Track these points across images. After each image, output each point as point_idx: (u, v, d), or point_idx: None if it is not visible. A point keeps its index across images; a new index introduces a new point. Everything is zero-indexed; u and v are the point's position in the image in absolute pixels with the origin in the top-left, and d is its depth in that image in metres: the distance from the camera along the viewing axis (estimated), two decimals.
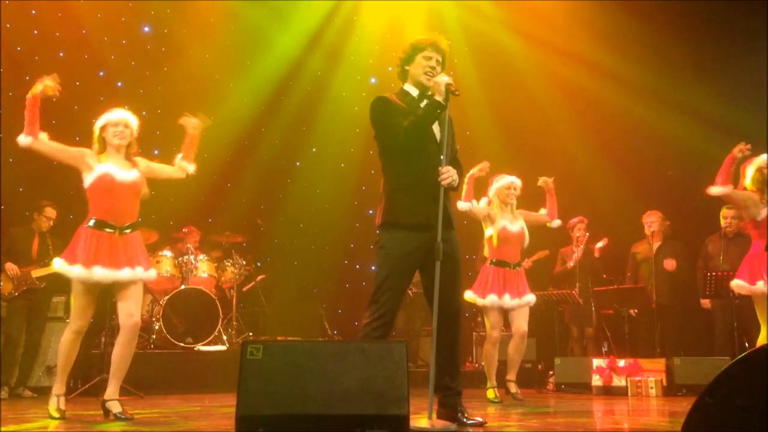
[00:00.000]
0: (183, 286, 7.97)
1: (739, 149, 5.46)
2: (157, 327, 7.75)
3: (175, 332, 7.70)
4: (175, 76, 9.75)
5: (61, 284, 7.43)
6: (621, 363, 6.90)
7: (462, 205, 5.80)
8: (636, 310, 7.89)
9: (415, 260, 3.89)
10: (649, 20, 9.35)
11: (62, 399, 4.62)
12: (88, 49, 9.23)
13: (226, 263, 8.61)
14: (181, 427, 4.19)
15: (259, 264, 9.57)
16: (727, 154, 5.60)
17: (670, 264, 7.66)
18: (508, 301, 5.97)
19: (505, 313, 6.13)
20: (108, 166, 4.54)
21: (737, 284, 5.65)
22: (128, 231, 4.59)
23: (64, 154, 4.57)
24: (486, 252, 6.28)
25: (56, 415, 4.54)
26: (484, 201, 6.05)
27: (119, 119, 4.65)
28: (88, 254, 4.43)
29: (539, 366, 8.15)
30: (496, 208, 6.05)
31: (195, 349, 7.71)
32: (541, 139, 10.04)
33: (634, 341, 7.83)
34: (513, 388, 6.13)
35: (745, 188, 5.60)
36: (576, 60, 9.92)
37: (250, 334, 8.58)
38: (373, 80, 10.95)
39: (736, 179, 5.66)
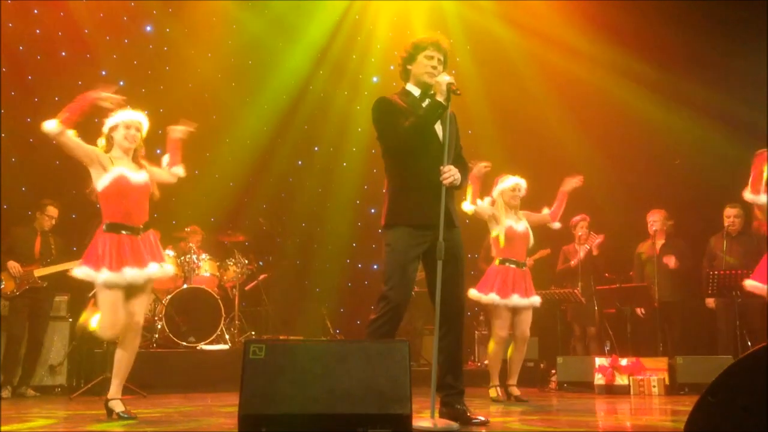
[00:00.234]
0: (185, 286, 7.98)
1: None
2: (159, 326, 7.76)
3: (178, 331, 7.71)
4: (177, 75, 9.76)
5: (63, 284, 7.47)
6: (623, 362, 6.90)
7: (467, 207, 5.80)
8: (643, 310, 7.88)
9: (420, 257, 3.90)
10: (652, 16, 9.35)
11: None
12: (89, 49, 9.23)
13: (229, 262, 8.61)
14: (183, 426, 4.19)
15: (261, 263, 9.57)
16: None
17: (670, 260, 7.65)
18: (516, 300, 5.94)
19: (512, 313, 6.07)
20: (121, 169, 4.49)
21: (752, 284, 5.62)
22: (142, 232, 4.56)
23: (80, 151, 4.46)
24: (493, 252, 6.26)
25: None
26: (487, 200, 6.04)
27: (132, 121, 4.59)
28: (112, 257, 4.37)
29: (541, 365, 8.15)
30: (501, 208, 6.03)
31: (197, 348, 7.72)
32: (543, 137, 10.03)
33: (636, 340, 7.82)
34: (516, 391, 6.10)
35: None
36: (578, 57, 9.91)
37: (253, 333, 8.59)
38: (375, 79, 10.95)
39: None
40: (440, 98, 3.83)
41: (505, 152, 9.43)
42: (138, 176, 4.55)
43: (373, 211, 10.59)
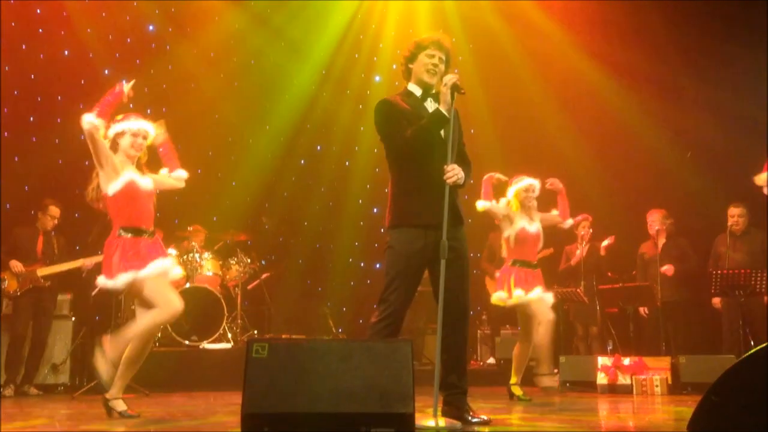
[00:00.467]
0: (188, 285, 7.99)
1: None
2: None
3: (181, 330, 7.72)
4: (179, 74, 9.77)
5: (66, 283, 7.49)
6: (626, 361, 6.88)
7: (482, 204, 5.79)
8: (646, 309, 7.87)
9: (424, 258, 3.89)
10: (652, 13, 9.36)
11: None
12: (92, 48, 9.24)
13: (231, 261, 8.62)
14: (186, 424, 4.20)
15: (263, 262, 9.58)
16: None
17: (669, 270, 7.64)
18: (539, 293, 5.91)
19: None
20: (131, 174, 4.51)
21: None
22: (153, 235, 4.59)
23: (103, 151, 4.45)
24: (504, 253, 6.23)
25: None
26: (503, 201, 6.03)
27: (140, 130, 4.59)
28: (138, 255, 4.41)
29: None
30: (516, 209, 6.03)
31: (200, 347, 7.73)
32: (543, 137, 10.04)
33: (639, 339, 7.82)
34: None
35: None
36: (579, 56, 9.93)
37: (255, 332, 8.60)
38: (377, 78, 10.96)
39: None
40: (444, 108, 3.84)
41: (504, 152, 9.44)
42: (145, 182, 4.58)
43: (375, 210, 10.59)
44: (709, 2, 8.85)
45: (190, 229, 8.52)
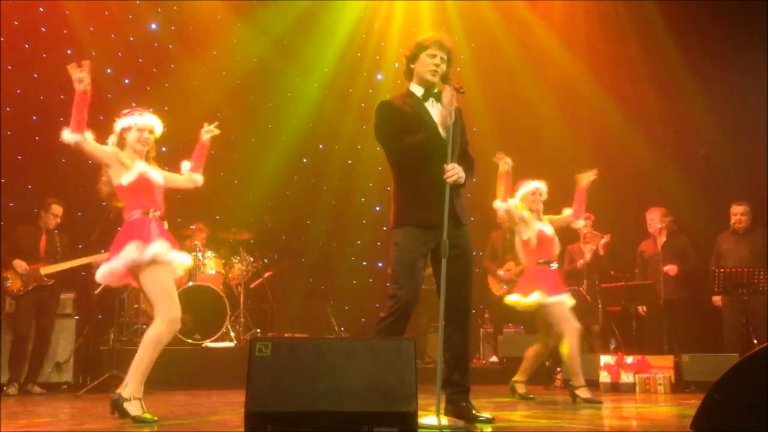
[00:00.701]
0: (191, 283, 7.99)
1: None
2: None
3: (183, 329, 7.66)
4: (182, 73, 9.77)
5: (69, 281, 7.51)
6: (629, 360, 6.89)
7: (498, 204, 5.78)
8: (644, 308, 7.86)
9: (427, 256, 3.92)
10: (653, 12, 9.37)
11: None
12: (95, 47, 9.24)
13: (234, 260, 8.63)
14: (189, 423, 4.20)
15: (266, 261, 9.58)
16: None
17: (671, 270, 7.64)
18: (565, 298, 5.83)
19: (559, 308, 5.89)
20: (143, 166, 4.48)
21: None
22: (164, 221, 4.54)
23: (100, 154, 4.43)
24: (522, 258, 6.17)
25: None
26: (511, 203, 5.99)
27: (146, 125, 4.55)
28: (151, 233, 4.32)
29: (547, 363, 8.13)
30: (527, 213, 5.99)
31: (203, 345, 7.73)
32: (544, 137, 10.06)
33: (642, 338, 7.82)
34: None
35: None
36: (579, 55, 9.95)
37: (258, 330, 8.61)
38: (379, 76, 10.96)
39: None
40: (443, 131, 3.86)
41: (508, 151, 9.43)
42: (157, 175, 4.56)
43: (378, 208, 10.59)
44: (709, 2, 8.85)
45: (192, 227, 8.53)
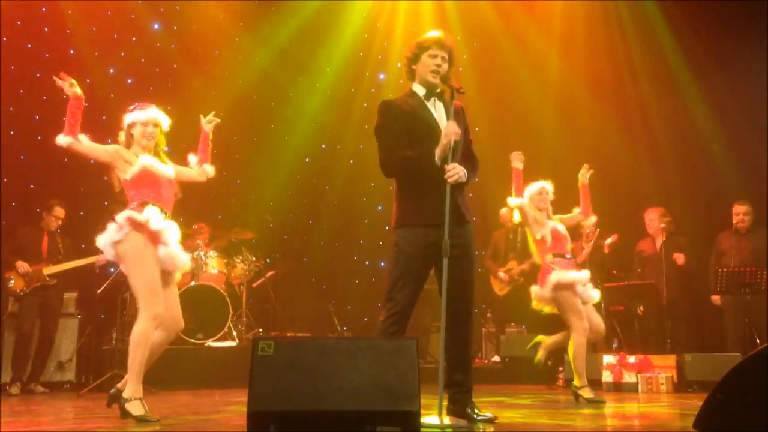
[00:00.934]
0: (193, 282, 7.99)
1: None
2: None
3: (186, 328, 7.68)
4: (185, 73, 9.78)
5: (72, 281, 7.52)
6: (631, 359, 6.88)
7: (514, 201, 5.76)
8: (642, 308, 7.86)
9: (428, 257, 3.90)
10: (655, 11, 9.38)
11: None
12: (98, 47, 9.27)
13: (236, 260, 8.63)
14: (192, 422, 4.21)
15: (268, 260, 9.58)
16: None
17: (679, 257, 7.62)
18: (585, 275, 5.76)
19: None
20: (147, 159, 4.45)
21: None
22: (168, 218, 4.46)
23: (100, 153, 4.44)
24: (536, 258, 6.14)
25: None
26: (524, 201, 5.98)
27: (148, 119, 4.53)
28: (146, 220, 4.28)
29: (549, 362, 8.13)
30: (537, 214, 5.98)
31: (205, 344, 7.74)
32: (545, 134, 10.05)
33: (644, 337, 7.81)
34: (587, 393, 5.94)
35: None
36: (579, 55, 9.95)
37: (260, 330, 8.61)
38: (382, 76, 10.95)
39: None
40: (438, 159, 3.84)
41: (504, 152, 9.42)
42: (165, 168, 4.53)
43: (380, 208, 10.59)
44: (709, 2, 8.85)
45: (195, 227, 8.53)
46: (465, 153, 4.07)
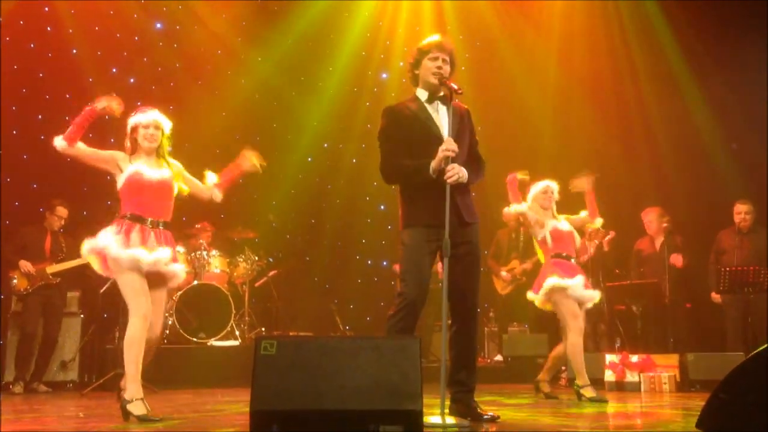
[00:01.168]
0: (196, 282, 8.00)
1: None
2: (170, 322, 7.78)
3: (189, 327, 7.74)
4: (187, 72, 9.78)
5: (75, 280, 7.53)
6: (634, 358, 6.88)
7: (512, 208, 5.78)
8: (639, 308, 7.84)
9: (433, 255, 3.95)
10: (655, 14, 9.39)
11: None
12: (100, 46, 9.27)
13: (239, 259, 8.64)
14: (194, 422, 4.21)
15: (271, 260, 9.58)
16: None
17: (677, 260, 7.62)
18: (581, 280, 5.73)
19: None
20: (137, 165, 4.46)
21: None
22: (161, 227, 4.48)
23: (95, 158, 4.48)
24: (541, 258, 6.16)
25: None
26: (525, 206, 5.99)
27: (149, 121, 4.55)
28: (122, 238, 4.31)
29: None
30: (538, 212, 5.98)
31: (208, 344, 7.75)
32: (545, 134, 10.06)
33: (647, 336, 7.80)
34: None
35: None
36: (578, 55, 9.94)
37: (263, 329, 8.62)
38: (384, 75, 10.95)
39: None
40: (433, 172, 3.85)
41: (504, 152, 9.43)
42: (155, 173, 4.49)
43: (382, 207, 10.59)
44: (709, 2, 8.84)
45: (197, 226, 8.54)
46: (470, 154, 4.10)
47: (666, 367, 6.75)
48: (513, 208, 5.82)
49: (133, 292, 4.26)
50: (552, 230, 5.89)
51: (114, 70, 9.45)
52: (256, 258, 8.75)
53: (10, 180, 8.26)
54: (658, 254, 7.83)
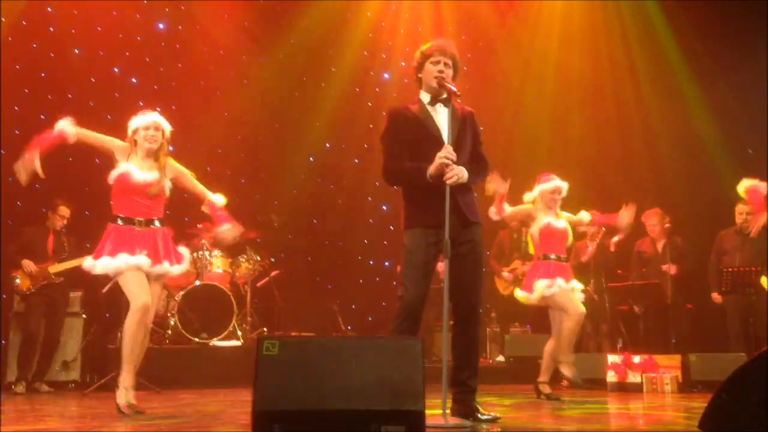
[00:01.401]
0: (198, 282, 8.00)
1: None
2: (172, 322, 7.80)
3: (191, 327, 7.74)
4: (189, 73, 9.78)
5: (77, 279, 7.52)
6: (636, 359, 6.87)
7: (492, 215, 5.79)
8: (641, 308, 7.84)
9: (435, 255, 3.95)
10: (655, 15, 9.39)
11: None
12: (102, 46, 9.28)
13: (241, 259, 8.63)
14: (197, 422, 4.22)
15: (273, 260, 9.58)
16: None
17: (670, 269, 7.63)
18: (560, 283, 5.81)
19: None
20: (129, 166, 4.57)
21: None
22: (155, 224, 4.66)
23: (97, 141, 4.66)
24: (531, 250, 6.22)
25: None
26: (530, 196, 6.00)
27: (149, 123, 4.64)
28: (112, 246, 4.51)
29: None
30: (541, 208, 5.98)
31: (210, 344, 7.75)
32: (545, 135, 10.05)
33: (649, 337, 7.80)
34: (546, 389, 6.03)
35: None
36: (578, 55, 9.94)
37: (265, 329, 8.62)
38: (386, 75, 10.95)
39: None
40: (431, 177, 3.86)
41: (505, 152, 9.43)
42: (143, 175, 4.59)
43: (384, 207, 10.59)
44: (709, 2, 8.84)
45: (199, 226, 8.53)
46: (473, 155, 4.12)
47: (668, 367, 6.75)
48: (491, 215, 5.76)
49: (132, 284, 4.49)
50: (544, 226, 5.91)
51: (116, 70, 9.46)
52: (258, 258, 8.75)
53: (12, 180, 8.25)
54: (660, 256, 7.82)
